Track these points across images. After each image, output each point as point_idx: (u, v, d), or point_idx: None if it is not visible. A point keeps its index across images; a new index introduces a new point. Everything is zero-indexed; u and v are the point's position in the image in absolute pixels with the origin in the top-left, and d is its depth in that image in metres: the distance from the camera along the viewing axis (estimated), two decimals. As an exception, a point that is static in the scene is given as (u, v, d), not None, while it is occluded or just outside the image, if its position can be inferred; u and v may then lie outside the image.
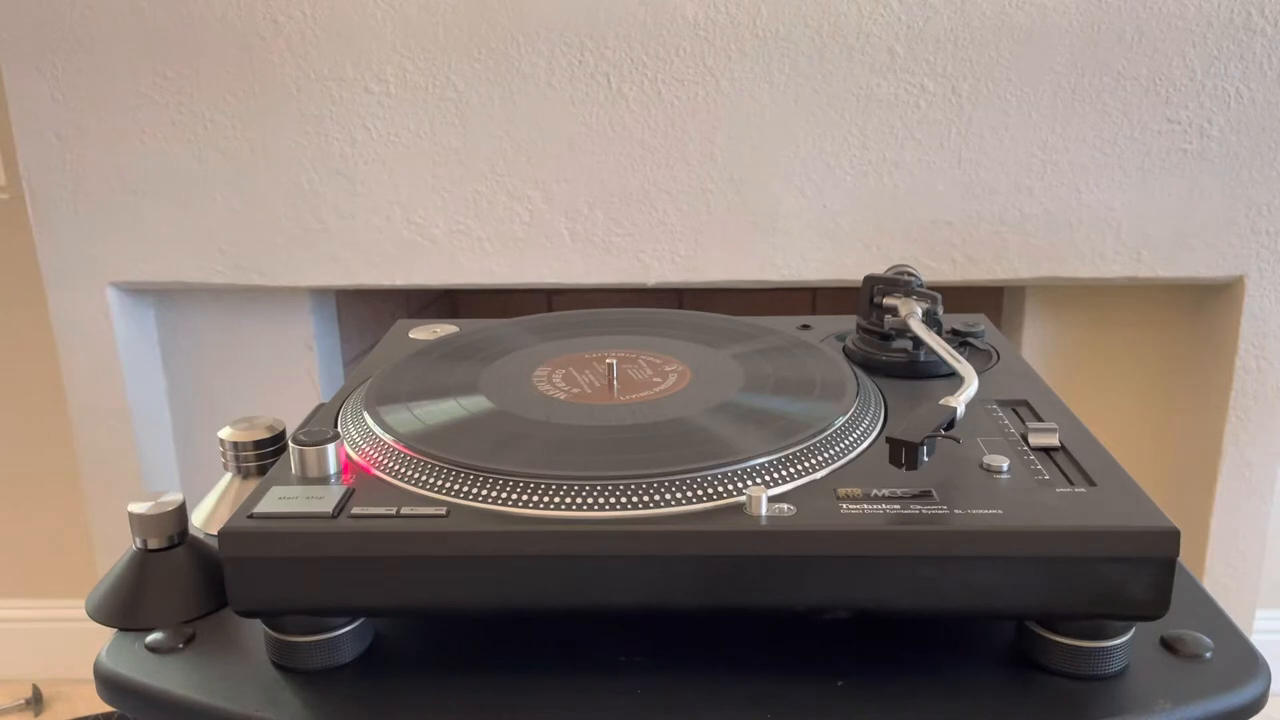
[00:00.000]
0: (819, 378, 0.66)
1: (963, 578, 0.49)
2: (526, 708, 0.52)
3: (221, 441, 0.69)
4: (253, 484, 0.66)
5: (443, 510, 0.52)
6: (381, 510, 0.52)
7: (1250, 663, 0.53)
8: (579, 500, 0.52)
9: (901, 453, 0.51)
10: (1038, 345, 1.34)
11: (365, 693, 0.54)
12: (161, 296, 1.33)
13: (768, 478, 0.53)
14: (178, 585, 0.61)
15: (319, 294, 1.34)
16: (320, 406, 0.70)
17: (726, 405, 0.62)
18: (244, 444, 0.68)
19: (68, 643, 1.56)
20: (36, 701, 1.51)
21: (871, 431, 0.60)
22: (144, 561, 0.62)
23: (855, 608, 0.51)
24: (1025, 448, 0.58)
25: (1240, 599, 1.33)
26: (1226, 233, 1.19)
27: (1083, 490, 0.53)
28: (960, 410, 0.56)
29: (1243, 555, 1.31)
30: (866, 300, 0.75)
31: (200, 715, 0.53)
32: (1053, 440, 0.58)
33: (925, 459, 0.52)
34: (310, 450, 0.56)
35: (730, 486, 0.52)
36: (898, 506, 0.51)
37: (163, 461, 1.38)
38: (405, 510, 0.52)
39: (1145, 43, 1.14)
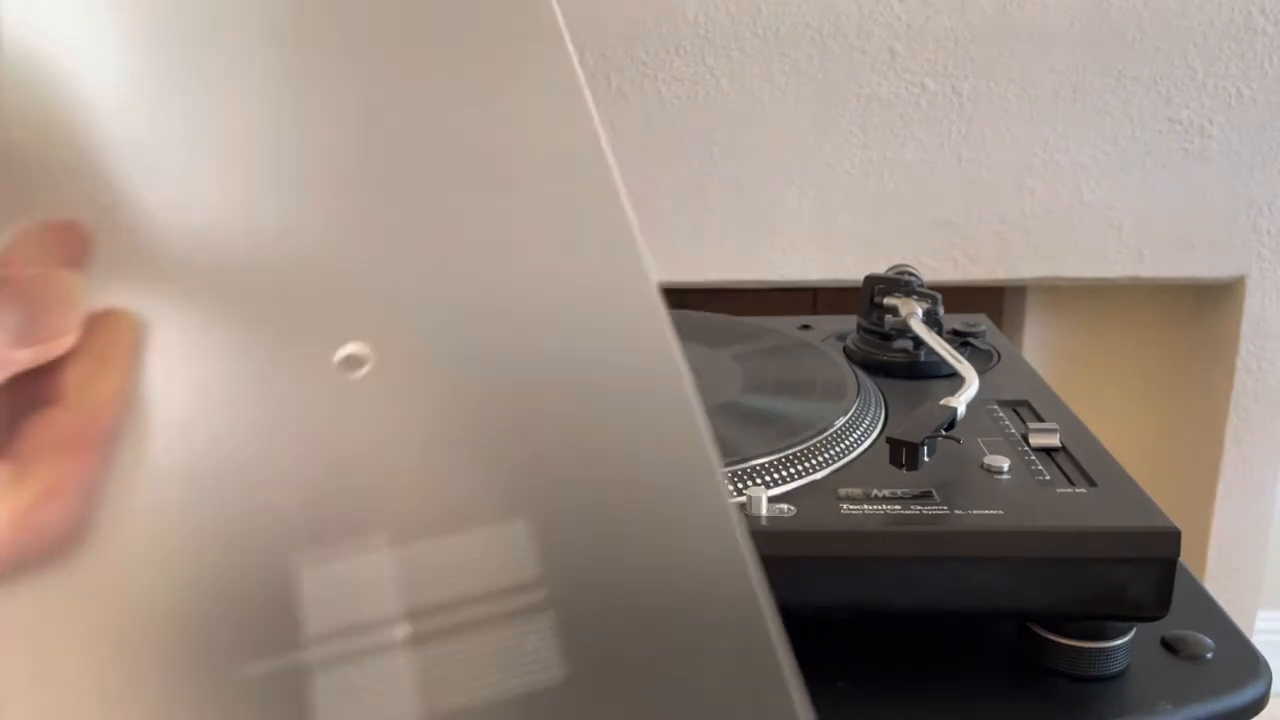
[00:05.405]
0: (819, 378, 0.66)
1: (963, 578, 0.49)
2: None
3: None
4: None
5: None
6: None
7: (1251, 663, 0.53)
8: (578, 501, 0.51)
9: (902, 453, 0.51)
10: (1039, 345, 1.34)
11: (364, 693, 0.54)
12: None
13: (768, 478, 0.53)
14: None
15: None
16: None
17: (727, 405, 0.62)
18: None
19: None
20: (37, 702, 1.51)
21: (872, 432, 0.59)
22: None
23: (855, 608, 0.51)
24: (1026, 448, 0.58)
25: (1241, 599, 1.32)
26: (1228, 232, 1.19)
27: (1083, 490, 0.52)
28: (961, 410, 0.55)
29: (1244, 555, 1.31)
30: (867, 300, 0.74)
31: (199, 716, 0.53)
32: (1053, 440, 0.58)
33: (926, 459, 0.52)
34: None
35: (730, 487, 0.52)
36: (898, 507, 0.51)
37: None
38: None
39: (1146, 42, 1.14)
